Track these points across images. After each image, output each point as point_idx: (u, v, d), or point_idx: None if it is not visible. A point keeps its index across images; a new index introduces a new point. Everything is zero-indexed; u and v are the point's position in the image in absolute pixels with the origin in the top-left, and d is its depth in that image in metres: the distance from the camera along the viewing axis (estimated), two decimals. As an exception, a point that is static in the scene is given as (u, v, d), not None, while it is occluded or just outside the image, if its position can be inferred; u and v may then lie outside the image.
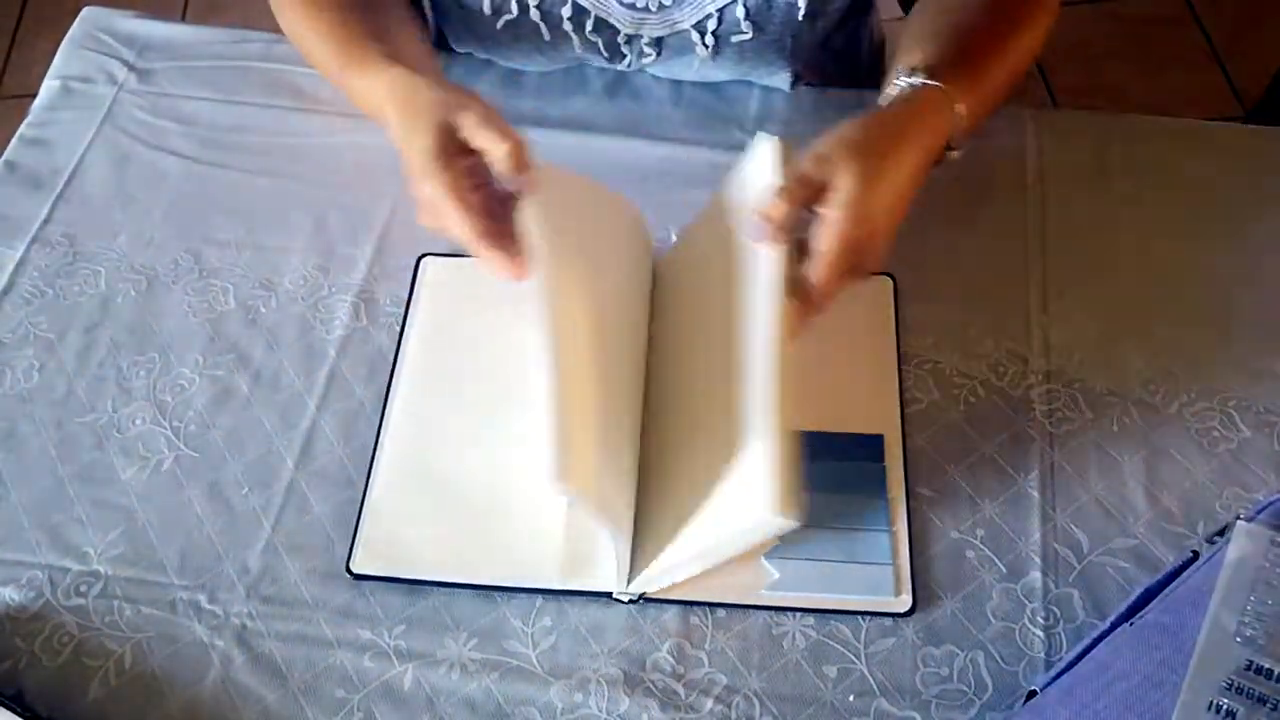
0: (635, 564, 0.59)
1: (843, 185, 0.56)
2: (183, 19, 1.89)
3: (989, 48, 0.66)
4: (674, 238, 0.74)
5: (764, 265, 0.58)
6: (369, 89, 0.64)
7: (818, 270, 0.56)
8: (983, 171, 0.76)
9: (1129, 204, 0.75)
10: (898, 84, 0.62)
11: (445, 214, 0.58)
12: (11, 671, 0.59)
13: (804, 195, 0.57)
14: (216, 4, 1.97)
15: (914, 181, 0.60)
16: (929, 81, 0.61)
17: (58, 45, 0.86)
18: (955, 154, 0.64)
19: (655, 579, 0.59)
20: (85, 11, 0.88)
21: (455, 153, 0.58)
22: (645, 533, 0.60)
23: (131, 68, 0.84)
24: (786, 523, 0.53)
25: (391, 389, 0.67)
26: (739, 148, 0.78)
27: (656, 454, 0.63)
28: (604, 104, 0.81)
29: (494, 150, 0.57)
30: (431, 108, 0.59)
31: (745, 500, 0.54)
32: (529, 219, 0.58)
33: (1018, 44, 0.67)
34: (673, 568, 0.59)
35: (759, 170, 0.61)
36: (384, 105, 0.62)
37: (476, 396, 0.67)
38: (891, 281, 0.71)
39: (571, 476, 0.53)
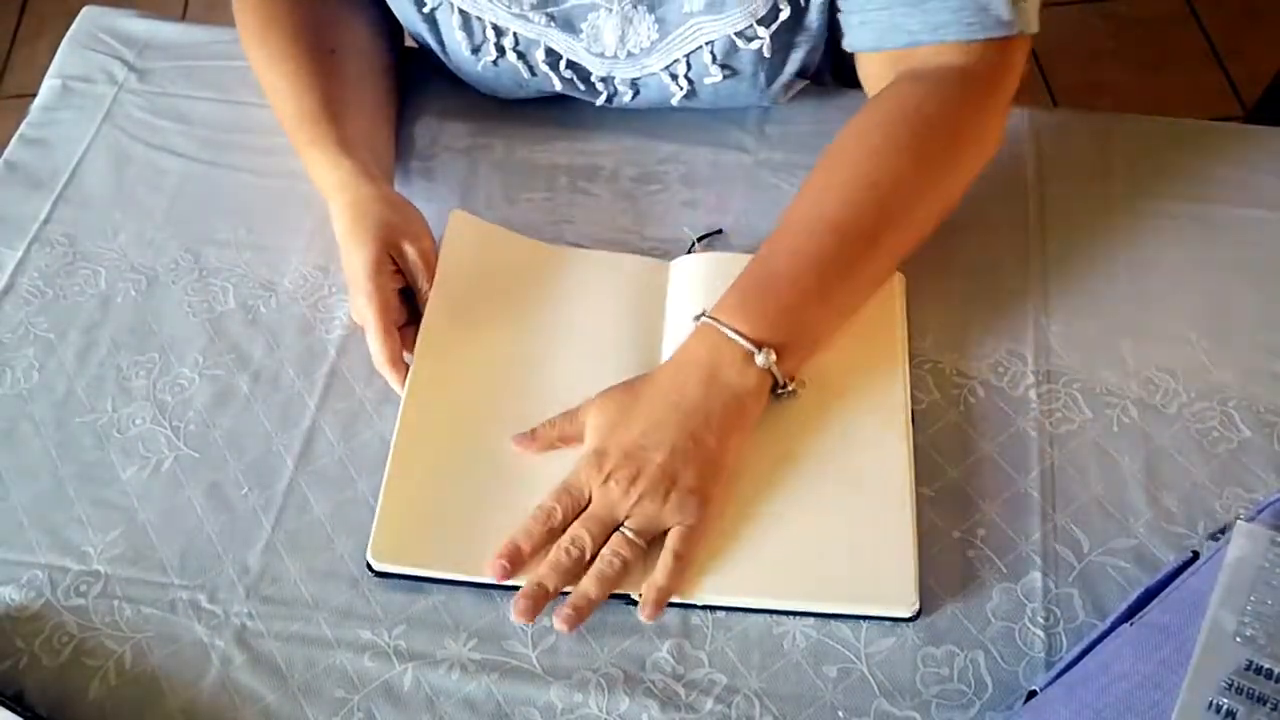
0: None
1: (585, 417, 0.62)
2: (183, 19, 1.89)
3: (837, 270, 0.63)
4: (688, 232, 0.74)
5: None
6: (320, 175, 0.69)
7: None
8: (983, 171, 0.76)
9: (1129, 204, 0.75)
10: (697, 320, 0.63)
11: (368, 329, 0.64)
12: (11, 671, 0.59)
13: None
14: (216, 4, 1.96)
15: (691, 414, 0.60)
16: (723, 328, 0.61)
17: (58, 45, 0.86)
18: (791, 387, 0.62)
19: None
20: (85, 11, 0.88)
21: (391, 271, 0.66)
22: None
23: (131, 67, 0.84)
24: (906, 613, 0.58)
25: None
26: (739, 148, 0.79)
27: None
28: (604, 104, 0.81)
29: (424, 290, 0.66)
30: (379, 227, 0.65)
31: (873, 581, 0.59)
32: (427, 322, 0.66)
33: (906, 230, 0.66)
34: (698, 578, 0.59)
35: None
36: (332, 196, 0.68)
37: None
38: (903, 279, 0.70)
39: (387, 553, 0.59)
